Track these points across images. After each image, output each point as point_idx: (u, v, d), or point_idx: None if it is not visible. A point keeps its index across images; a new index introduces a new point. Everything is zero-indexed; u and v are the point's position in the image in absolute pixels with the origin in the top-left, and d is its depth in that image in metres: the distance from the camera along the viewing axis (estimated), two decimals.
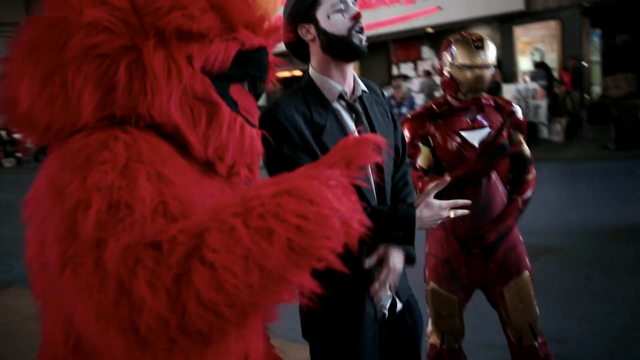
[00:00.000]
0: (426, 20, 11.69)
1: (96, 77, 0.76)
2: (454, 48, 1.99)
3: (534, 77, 10.32)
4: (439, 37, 12.79)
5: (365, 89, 1.49)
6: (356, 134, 1.41)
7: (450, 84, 2.02)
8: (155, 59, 0.78)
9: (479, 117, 2.01)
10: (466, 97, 1.99)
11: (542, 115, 9.80)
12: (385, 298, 1.47)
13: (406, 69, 13.43)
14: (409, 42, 13.19)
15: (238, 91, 0.90)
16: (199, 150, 0.83)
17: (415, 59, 13.32)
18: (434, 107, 2.06)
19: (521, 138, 2.07)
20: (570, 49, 10.50)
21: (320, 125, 1.38)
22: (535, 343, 2.04)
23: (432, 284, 2.10)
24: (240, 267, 0.60)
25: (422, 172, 2.00)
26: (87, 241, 0.63)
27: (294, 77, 10.74)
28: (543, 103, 9.79)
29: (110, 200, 0.65)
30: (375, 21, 11.86)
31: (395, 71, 13.37)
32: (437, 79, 12.64)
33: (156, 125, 0.79)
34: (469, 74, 1.94)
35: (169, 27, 0.79)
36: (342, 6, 1.37)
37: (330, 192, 0.67)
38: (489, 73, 1.95)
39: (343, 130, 1.41)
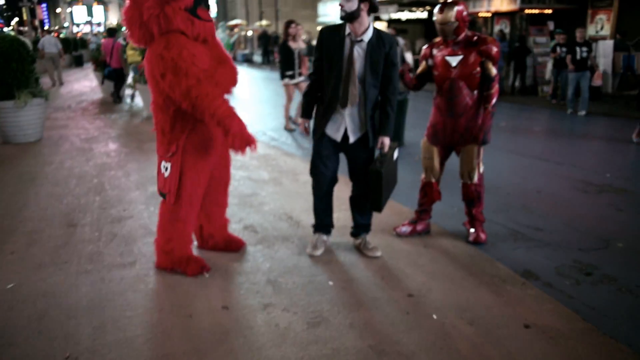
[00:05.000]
0: None
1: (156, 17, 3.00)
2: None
3: None
4: None
5: (366, 39, 3.14)
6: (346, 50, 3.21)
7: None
8: (168, 10, 2.95)
9: (458, 49, 3.55)
10: (441, 39, 3.57)
11: None
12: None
13: None
14: None
15: (201, 9, 3.04)
16: (190, 35, 3.02)
17: None
18: (437, 41, 3.68)
19: (489, 64, 3.50)
20: None
21: (328, 41, 3.24)
22: (469, 181, 3.67)
23: (424, 138, 3.83)
24: (205, 107, 2.92)
25: (413, 72, 3.78)
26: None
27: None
28: None
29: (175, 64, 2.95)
30: None
31: None
32: None
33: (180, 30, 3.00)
34: (437, 27, 3.51)
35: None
36: None
37: (232, 117, 2.96)
38: (450, 26, 3.45)
39: (337, 48, 3.18)
